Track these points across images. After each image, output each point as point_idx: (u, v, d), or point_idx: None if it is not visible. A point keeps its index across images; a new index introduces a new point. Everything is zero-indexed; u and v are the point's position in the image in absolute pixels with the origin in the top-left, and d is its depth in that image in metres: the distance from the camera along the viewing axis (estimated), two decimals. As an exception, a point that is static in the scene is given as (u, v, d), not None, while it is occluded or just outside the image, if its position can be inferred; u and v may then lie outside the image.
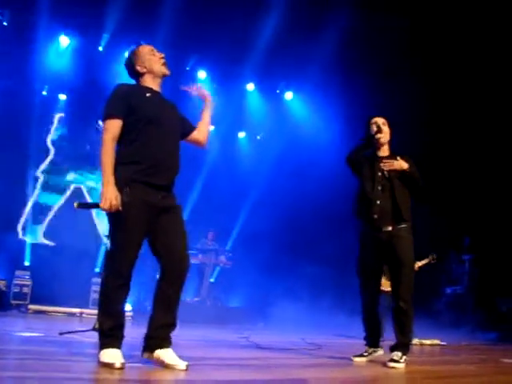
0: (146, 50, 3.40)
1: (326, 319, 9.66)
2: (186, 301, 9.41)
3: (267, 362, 3.94)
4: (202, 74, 11.73)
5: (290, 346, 5.12)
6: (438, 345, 6.95)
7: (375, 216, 4.18)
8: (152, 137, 3.19)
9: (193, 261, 9.64)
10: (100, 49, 10.65)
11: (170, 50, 9.84)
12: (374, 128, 4.38)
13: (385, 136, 4.37)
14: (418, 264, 7.27)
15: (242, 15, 9.39)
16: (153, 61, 3.38)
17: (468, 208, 10.36)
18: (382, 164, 4.25)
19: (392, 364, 3.90)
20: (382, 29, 9.43)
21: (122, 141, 3.19)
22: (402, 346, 4.06)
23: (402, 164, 4.20)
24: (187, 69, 11.35)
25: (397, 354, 3.98)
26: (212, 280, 10.42)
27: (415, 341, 6.83)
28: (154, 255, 3.24)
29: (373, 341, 4.35)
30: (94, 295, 8.86)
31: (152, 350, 3.13)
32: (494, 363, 4.86)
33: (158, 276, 3.22)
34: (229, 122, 12.59)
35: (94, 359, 3.06)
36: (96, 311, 4.94)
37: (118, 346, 3.04)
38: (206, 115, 3.65)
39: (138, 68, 3.38)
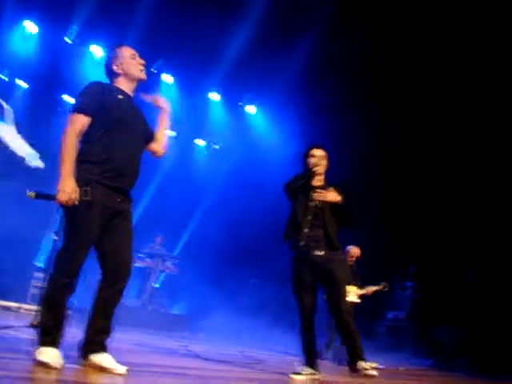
0: (127, 53, 3.38)
1: (266, 333, 9.68)
2: (126, 303, 9.27)
3: (205, 372, 3.94)
4: (168, 78, 11.69)
5: (228, 359, 5.12)
6: (376, 368, 7.06)
7: (302, 243, 4.39)
8: (117, 140, 3.16)
9: (138, 264, 9.53)
10: (68, 40, 10.45)
11: (137, 48, 9.81)
12: (312, 160, 4.60)
13: (321, 168, 4.61)
14: (372, 289, 7.44)
15: (214, 25, 9.43)
16: (132, 64, 3.36)
17: (414, 235, 10.64)
18: (315, 194, 4.45)
19: (369, 372, 4.25)
20: (348, 50, 9.63)
21: (85, 139, 3.14)
22: (360, 355, 4.31)
23: (335, 196, 4.43)
24: (153, 70, 11.28)
25: (364, 363, 4.27)
26: (157, 285, 10.30)
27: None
28: (97, 255, 3.19)
29: (309, 360, 4.37)
30: (34, 290, 8.60)
31: (89, 356, 3.08)
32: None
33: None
34: (189, 128, 12.59)
35: (30, 357, 2.98)
36: (35, 307, 4.83)
37: (57, 346, 2.97)
38: (163, 125, 3.60)
39: (115, 68, 3.35)
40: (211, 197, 12.60)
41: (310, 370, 4.34)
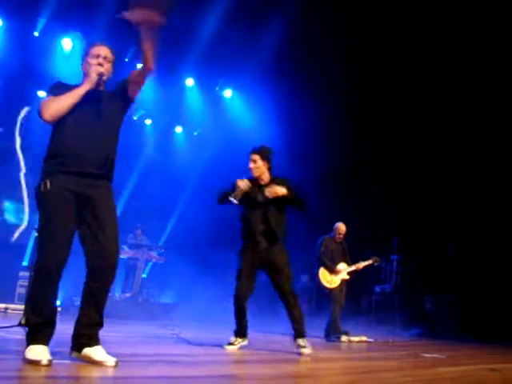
0: (93, 52, 3.33)
1: (259, 316, 9.75)
2: (115, 297, 9.26)
3: (197, 358, 3.96)
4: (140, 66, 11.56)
5: (220, 343, 5.16)
6: (365, 341, 7.18)
7: (254, 238, 4.95)
8: (67, 128, 3.16)
9: (123, 255, 9.50)
10: (36, 34, 10.25)
11: (108, 40, 9.66)
12: (250, 164, 5.07)
13: (257, 170, 5.05)
14: (362, 264, 7.54)
15: (185, 8, 9.32)
16: (92, 65, 3.29)
17: (397, 208, 10.73)
18: (266, 193, 4.89)
19: (302, 350, 4.59)
20: (321, 29, 9.60)
21: (50, 140, 3.22)
22: (301, 332, 4.75)
23: (280, 190, 4.85)
24: (126, 60, 11.15)
25: (302, 340, 4.69)
26: (144, 276, 10.31)
27: (344, 338, 7.05)
28: (82, 248, 3.16)
29: (241, 332, 4.98)
30: (21, 290, 8.55)
31: (80, 349, 3.07)
32: (416, 358, 5.09)
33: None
34: (166, 116, 12.50)
35: (19, 356, 2.97)
36: (22, 306, 4.80)
37: (45, 343, 2.96)
38: (145, 43, 3.37)
39: (82, 67, 3.36)
40: (193, 183, 12.58)
41: (240, 339, 4.94)
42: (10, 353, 3.32)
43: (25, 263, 9.63)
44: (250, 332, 5.07)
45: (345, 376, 3.54)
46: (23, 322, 4.63)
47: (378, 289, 11.14)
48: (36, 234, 4.61)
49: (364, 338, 7.29)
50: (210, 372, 3.22)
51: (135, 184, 11.59)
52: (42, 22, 10.13)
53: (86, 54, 3.36)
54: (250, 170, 5.08)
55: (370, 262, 7.59)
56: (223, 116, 12.64)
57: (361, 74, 10.13)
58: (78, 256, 3.18)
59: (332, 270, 7.39)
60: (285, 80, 10.95)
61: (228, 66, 11.31)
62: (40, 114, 3.13)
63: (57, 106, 3.13)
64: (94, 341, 3.08)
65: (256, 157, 5.07)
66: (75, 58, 10.31)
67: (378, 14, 9.28)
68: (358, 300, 10.86)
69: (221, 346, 4.84)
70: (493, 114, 9.46)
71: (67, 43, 10.46)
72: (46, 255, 3.00)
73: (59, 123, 3.17)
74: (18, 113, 9.59)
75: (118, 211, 3.43)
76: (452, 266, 10.00)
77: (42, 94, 11.10)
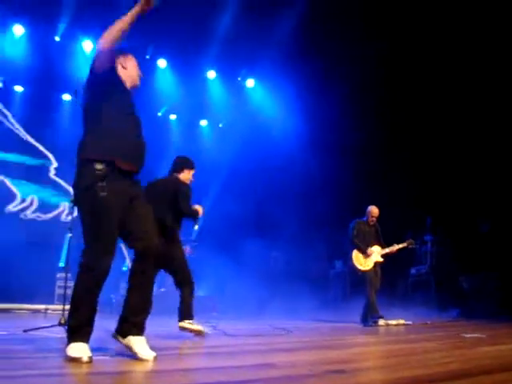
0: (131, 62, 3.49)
1: (294, 304, 9.75)
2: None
3: (236, 348, 3.98)
4: (162, 63, 11.61)
5: (258, 333, 5.17)
6: (403, 324, 7.11)
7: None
8: (122, 129, 3.22)
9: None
10: (57, 39, 10.38)
11: (127, 38, 9.71)
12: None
13: None
14: (396, 247, 7.47)
15: (201, 2, 9.30)
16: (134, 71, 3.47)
17: (429, 188, 10.56)
18: None
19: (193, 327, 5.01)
20: (339, 13, 9.46)
21: (93, 127, 3.21)
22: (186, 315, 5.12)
23: None
24: (147, 57, 11.20)
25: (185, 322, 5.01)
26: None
27: (381, 321, 7.00)
28: (125, 240, 3.25)
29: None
30: (59, 291, 8.72)
31: (125, 335, 3.15)
32: (455, 339, 5.01)
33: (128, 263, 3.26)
34: (191, 110, 12.53)
35: (61, 354, 3.03)
36: (61, 306, 4.90)
37: (86, 341, 3.01)
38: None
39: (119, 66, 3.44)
40: (222, 175, 12.60)
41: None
42: (52, 351, 3.39)
43: (61, 264, 9.83)
44: (295, 319, 5.05)
45: (388, 359, 3.50)
46: (63, 321, 4.74)
47: (413, 271, 11.01)
48: (69, 234, 4.69)
49: (402, 321, 7.22)
50: (251, 361, 3.22)
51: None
52: (62, 27, 10.25)
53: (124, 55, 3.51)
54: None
55: (404, 244, 7.51)
56: (247, 106, 12.61)
57: (384, 53, 9.95)
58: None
59: (365, 253, 7.34)
60: (306, 65, 10.84)
61: (249, 55, 11.26)
62: (98, 48, 3.18)
63: (110, 32, 3.15)
64: (139, 330, 3.15)
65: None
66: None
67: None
68: (394, 283, 10.75)
69: (256, 335, 4.85)
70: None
71: (88, 45, 10.56)
72: (100, 261, 3.04)
73: (108, 111, 3.17)
74: (44, 118, 9.74)
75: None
76: (487, 243, 9.80)
77: (66, 97, 11.27)
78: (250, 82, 12.60)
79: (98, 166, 3.05)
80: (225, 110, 12.69)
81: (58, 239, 9.77)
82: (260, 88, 12.68)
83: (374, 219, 7.56)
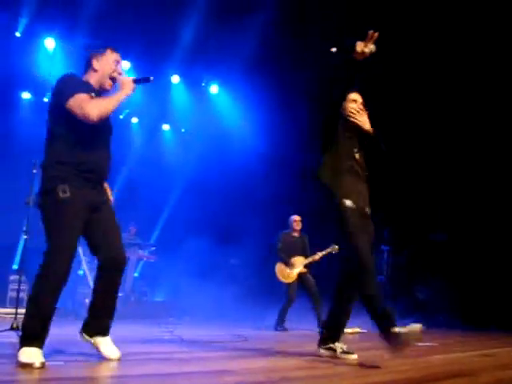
0: (113, 56, 3.40)
1: (254, 311, 9.75)
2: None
3: (191, 355, 3.96)
4: (126, 65, 11.49)
5: (214, 339, 5.16)
6: (359, 332, 7.22)
7: None
8: (91, 142, 3.23)
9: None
10: (17, 34, 10.11)
11: (90, 38, 9.58)
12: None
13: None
14: (319, 254, 7.55)
15: (166, 7, 9.27)
16: (110, 68, 3.37)
17: (387, 199, 10.75)
18: None
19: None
20: (306, 18, 9.54)
21: (62, 139, 3.17)
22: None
23: None
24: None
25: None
26: (136, 274, 10.27)
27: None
28: (91, 249, 3.32)
29: None
30: (12, 294, 8.49)
31: (92, 335, 3.26)
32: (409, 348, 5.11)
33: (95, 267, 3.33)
34: (153, 114, 12.44)
35: (12, 361, 2.95)
36: (14, 310, 4.78)
37: (39, 346, 2.94)
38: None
39: (94, 61, 3.34)
40: (183, 180, 12.55)
41: None
42: (4, 357, 3.30)
43: (15, 266, 9.57)
44: (248, 328, 5.06)
45: (345, 367, 3.54)
46: (15, 326, 4.63)
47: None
48: (25, 236, 4.60)
49: (357, 329, 7.32)
50: (205, 368, 3.22)
51: (124, 183, 11.52)
52: (23, 22, 9.99)
53: (101, 53, 3.37)
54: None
55: (328, 250, 7.52)
56: (210, 112, 12.58)
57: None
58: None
59: (288, 265, 7.47)
60: (270, 76, 10.89)
61: (213, 61, 11.24)
62: (83, 113, 3.04)
63: (105, 109, 3.10)
64: (105, 331, 3.30)
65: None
66: (58, 58, 10.22)
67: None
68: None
69: (213, 342, 4.84)
70: (474, 113, 9.52)
71: (50, 43, 10.33)
72: (61, 264, 3.02)
73: (79, 127, 3.12)
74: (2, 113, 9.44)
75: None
76: (442, 254, 10.07)
77: (25, 95, 11.01)
78: (214, 88, 12.59)
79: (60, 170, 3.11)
80: (188, 115, 12.64)
81: (10, 240, 9.52)
82: (224, 94, 12.68)
83: (297, 228, 7.69)
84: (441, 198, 10.18)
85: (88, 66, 3.37)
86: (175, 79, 12.14)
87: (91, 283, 9.11)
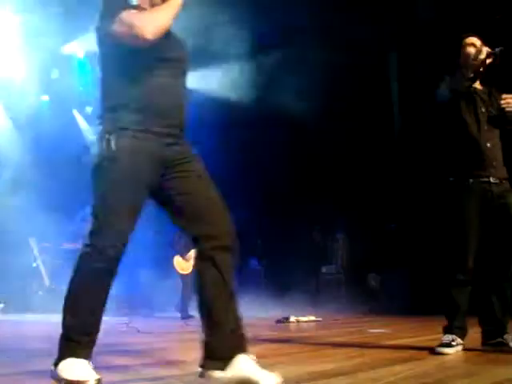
0: None
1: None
2: (60, 289, 9.00)
3: (148, 346, 3.95)
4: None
5: (171, 330, 5.15)
6: (314, 321, 7.34)
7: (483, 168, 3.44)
8: (159, 81, 2.35)
9: (66, 246, 9.19)
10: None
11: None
12: (472, 51, 3.46)
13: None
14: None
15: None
16: None
17: (340, 189, 10.89)
18: (504, 102, 3.38)
19: None
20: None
21: (119, 77, 2.31)
22: None
23: None
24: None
25: None
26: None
27: (292, 318, 7.17)
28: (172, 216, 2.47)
29: None
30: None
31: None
32: (361, 334, 5.26)
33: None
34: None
35: (45, 374, 2.21)
36: None
37: (87, 356, 2.23)
38: None
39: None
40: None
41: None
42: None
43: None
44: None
45: (299, 354, 3.60)
46: None
47: (324, 269, 11.37)
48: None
49: (312, 318, 7.44)
50: (161, 359, 3.22)
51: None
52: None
53: None
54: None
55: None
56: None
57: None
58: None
59: (185, 258, 7.69)
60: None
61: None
62: (136, 34, 2.15)
63: (160, 22, 2.20)
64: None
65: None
66: None
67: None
68: (305, 280, 11.03)
69: (169, 333, 4.83)
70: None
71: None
72: (113, 240, 2.26)
73: (142, 62, 2.26)
74: None
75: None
76: (395, 242, 10.30)
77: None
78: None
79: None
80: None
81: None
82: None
83: None
84: (394, 186, 10.35)
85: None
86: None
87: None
